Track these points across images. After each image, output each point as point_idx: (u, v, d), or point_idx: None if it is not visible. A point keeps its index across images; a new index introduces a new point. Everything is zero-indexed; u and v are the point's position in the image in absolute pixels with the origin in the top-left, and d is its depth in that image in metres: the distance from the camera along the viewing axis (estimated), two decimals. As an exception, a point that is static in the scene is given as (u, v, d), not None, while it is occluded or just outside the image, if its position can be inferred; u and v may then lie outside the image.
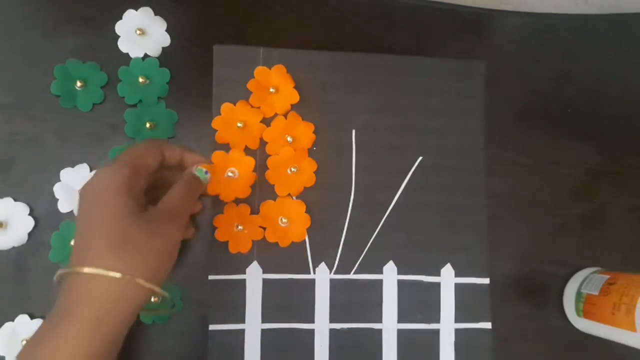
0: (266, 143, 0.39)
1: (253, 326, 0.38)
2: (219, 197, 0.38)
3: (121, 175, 0.31)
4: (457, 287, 0.41)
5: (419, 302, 0.40)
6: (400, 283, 0.40)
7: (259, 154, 0.40)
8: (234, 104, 0.39)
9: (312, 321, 0.39)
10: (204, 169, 0.36)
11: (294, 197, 0.39)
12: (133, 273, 0.29)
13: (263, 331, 0.38)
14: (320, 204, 0.40)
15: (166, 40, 0.39)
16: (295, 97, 0.40)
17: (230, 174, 0.38)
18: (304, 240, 0.39)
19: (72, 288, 0.30)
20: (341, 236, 0.40)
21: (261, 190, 0.39)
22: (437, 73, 0.42)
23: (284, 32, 0.41)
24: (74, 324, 0.28)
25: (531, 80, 0.45)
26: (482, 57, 0.43)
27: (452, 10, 0.44)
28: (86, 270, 0.29)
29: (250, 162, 0.39)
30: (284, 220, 0.39)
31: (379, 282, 0.40)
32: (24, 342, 0.36)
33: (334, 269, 0.40)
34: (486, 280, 0.41)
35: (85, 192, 0.31)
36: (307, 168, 0.39)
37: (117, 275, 0.29)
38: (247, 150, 0.39)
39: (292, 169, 0.39)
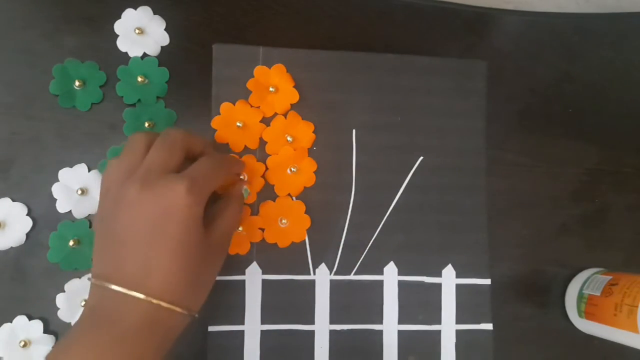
0: (266, 143, 0.39)
1: (252, 327, 0.38)
2: None
3: (202, 201, 0.30)
4: (458, 288, 0.41)
5: (419, 303, 0.40)
6: (401, 284, 0.40)
7: (259, 153, 0.39)
8: (234, 104, 0.39)
9: (312, 322, 0.39)
10: (248, 190, 0.38)
11: (294, 198, 0.39)
12: (188, 307, 0.30)
13: (262, 332, 0.38)
14: (320, 204, 0.39)
15: (165, 40, 0.39)
16: (295, 97, 0.39)
17: (240, 177, 0.38)
18: (304, 241, 0.39)
19: (122, 309, 0.28)
20: (341, 237, 0.40)
21: (261, 191, 0.39)
22: (438, 73, 0.42)
23: (283, 32, 0.41)
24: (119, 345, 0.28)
25: (532, 80, 0.45)
26: (483, 56, 0.43)
27: (452, 10, 0.44)
28: (143, 297, 0.28)
29: (260, 167, 0.39)
30: (283, 220, 0.38)
31: (380, 283, 0.40)
32: (22, 343, 0.35)
33: (334, 269, 0.39)
34: (487, 281, 0.41)
35: (156, 203, 0.29)
36: (307, 168, 0.39)
37: (178, 310, 0.29)
38: (247, 150, 0.39)
39: (292, 169, 0.39)
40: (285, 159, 0.39)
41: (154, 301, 0.28)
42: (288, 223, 0.39)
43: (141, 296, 0.28)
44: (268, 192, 0.39)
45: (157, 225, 0.29)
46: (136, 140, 0.32)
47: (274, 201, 0.39)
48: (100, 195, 0.32)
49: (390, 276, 0.40)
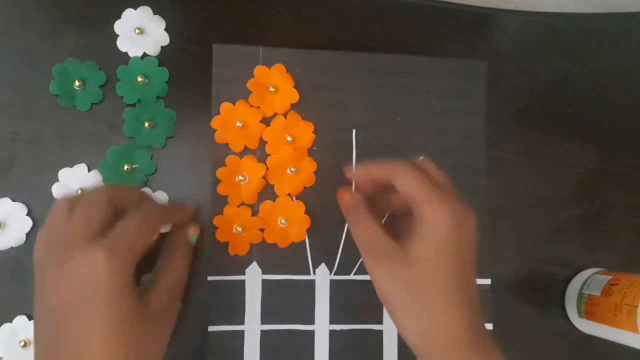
0: (266, 143, 0.39)
1: (252, 327, 0.38)
2: (226, 199, 0.38)
3: (127, 268, 0.27)
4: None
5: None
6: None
7: (259, 153, 0.39)
8: (234, 104, 0.39)
9: (312, 322, 0.39)
10: (195, 234, 0.35)
11: (294, 198, 0.39)
12: None
13: (262, 332, 0.38)
14: (320, 204, 0.39)
15: (165, 40, 0.39)
16: (295, 97, 0.39)
17: (241, 177, 0.38)
18: (304, 241, 0.39)
19: None
20: (341, 237, 0.40)
21: (261, 191, 0.39)
22: (438, 73, 0.42)
23: (283, 31, 0.41)
24: None
25: (531, 80, 0.45)
26: (483, 56, 0.43)
27: (452, 10, 0.44)
28: None
29: (261, 168, 0.39)
30: (283, 220, 0.38)
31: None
32: (22, 343, 0.35)
33: (334, 269, 0.39)
34: (487, 281, 0.41)
35: (76, 279, 0.26)
36: (307, 168, 0.39)
37: None
38: (247, 150, 0.39)
39: (292, 169, 0.39)
40: (285, 159, 0.39)
41: None
42: (288, 223, 0.39)
43: None
44: (268, 193, 0.39)
45: (81, 306, 0.26)
46: (57, 207, 0.30)
47: (274, 201, 0.39)
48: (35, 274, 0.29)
49: None
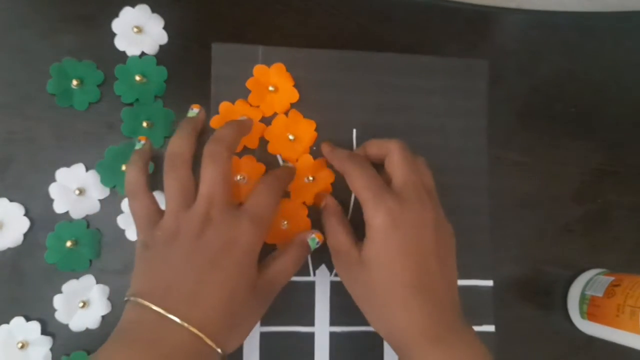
0: (267, 142, 0.39)
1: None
2: None
3: (263, 237, 0.32)
4: (460, 289, 0.40)
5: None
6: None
7: (259, 153, 0.39)
8: (233, 103, 0.39)
9: (312, 324, 0.39)
10: (317, 239, 0.36)
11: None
12: (223, 346, 0.29)
13: (262, 334, 0.38)
14: (319, 201, 0.39)
15: (163, 38, 0.39)
16: (294, 96, 0.39)
17: (239, 177, 0.38)
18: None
19: (160, 332, 0.28)
20: (341, 237, 0.39)
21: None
22: (439, 72, 0.41)
23: (283, 30, 0.41)
24: None
25: (534, 79, 0.44)
26: (484, 55, 0.43)
27: (453, 8, 0.43)
28: (184, 324, 0.28)
29: (261, 168, 0.38)
30: (284, 222, 0.38)
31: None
32: (19, 345, 0.35)
33: (334, 271, 0.39)
34: (489, 282, 0.41)
35: (218, 238, 0.30)
36: (325, 179, 0.39)
37: (213, 345, 0.28)
38: (246, 150, 0.39)
39: (309, 178, 0.38)
40: (304, 167, 0.38)
41: (193, 330, 0.28)
42: (289, 225, 0.38)
43: (182, 323, 0.28)
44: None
45: (214, 260, 0.29)
46: (178, 163, 0.33)
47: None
48: (146, 217, 0.32)
49: None
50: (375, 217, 0.31)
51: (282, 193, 0.35)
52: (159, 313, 0.28)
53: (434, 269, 0.31)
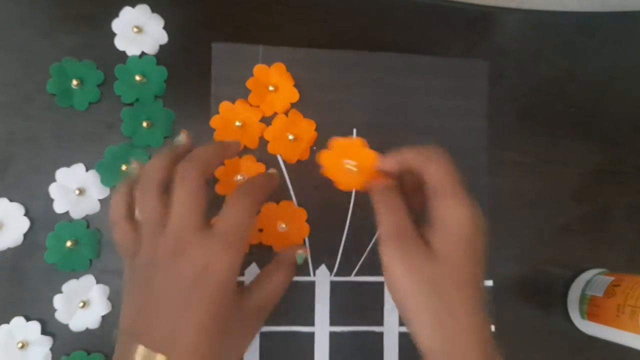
0: (267, 142, 0.39)
1: (252, 328, 0.38)
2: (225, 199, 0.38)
3: (240, 258, 0.28)
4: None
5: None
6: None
7: (258, 153, 0.39)
8: (233, 103, 0.39)
9: (312, 324, 0.39)
10: (304, 254, 0.36)
11: (295, 202, 0.39)
12: None
13: (262, 334, 0.38)
14: (320, 205, 0.39)
15: (163, 38, 0.39)
16: (295, 96, 0.39)
17: (239, 177, 0.38)
18: (304, 242, 0.39)
19: None
20: (342, 238, 0.39)
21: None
22: (439, 72, 0.41)
23: (283, 30, 0.41)
24: None
25: (534, 79, 0.44)
26: (484, 55, 0.43)
27: (453, 8, 0.43)
28: None
29: (260, 168, 0.38)
30: (282, 225, 0.38)
31: (381, 285, 0.39)
32: (19, 345, 0.35)
33: (335, 271, 0.39)
34: (489, 282, 0.41)
35: (192, 266, 0.28)
36: (369, 158, 0.34)
37: None
38: (246, 150, 0.39)
39: (349, 162, 0.34)
40: (343, 149, 0.35)
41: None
42: (287, 228, 0.38)
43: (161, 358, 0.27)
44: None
45: (191, 290, 0.28)
46: (146, 197, 0.30)
47: (277, 204, 0.39)
48: (126, 246, 0.30)
49: None
50: (465, 212, 0.29)
51: (259, 205, 0.32)
52: (145, 349, 0.27)
53: (484, 277, 0.30)
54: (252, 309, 0.31)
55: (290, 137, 0.39)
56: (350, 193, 0.40)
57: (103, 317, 0.37)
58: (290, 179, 0.39)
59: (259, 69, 0.39)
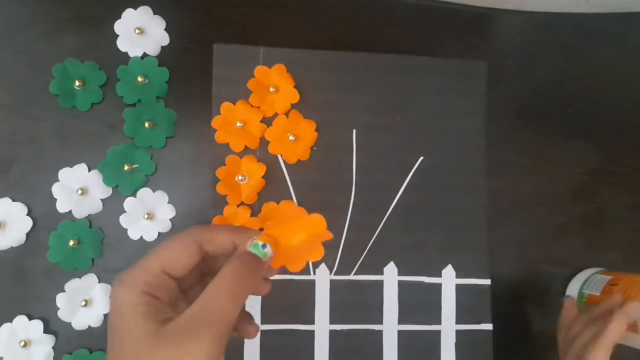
0: (268, 142, 0.39)
1: (253, 327, 0.38)
2: (225, 198, 0.38)
3: (132, 292, 0.24)
4: (458, 288, 0.41)
5: (419, 303, 0.40)
6: (401, 284, 0.40)
7: (259, 153, 0.39)
8: (234, 104, 0.39)
9: (312, 322, 0.39)
10: (261, 242, 0.26)
11: (295, 201, 0.39)
12: None
13: (262, 332, 0.38)
14: (320, 204, 0.39)
15: (165, 40, 0.39)
16: (295, 97, 0.39)
17: (240, 177, 0.38)
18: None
19: None
20: (341, 237, 0.40)
21: (261, 191, 0.39)
22: (438, 73, 0.42)
23: (284, 32, 0.41)
24: None
25: (532, 80, 0.45)
26: (483, 56, 0.43)
27: (452, 10, 0.44)
28: None
29: (262, 168, 0.39)
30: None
31: (380, 283, 0.40)
32: (22, 343, 0.35)
33: (334, 270, 0.39)
34: (487, 281, 0.41)
35: (109, 311, 0.25)
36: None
37: None
38: (247, 150, 0.39)
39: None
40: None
41: None
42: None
43: None
44: (268, 193, 0.39)
45: (110, 331, 0.25)
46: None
47: (277, 203, 0.39)
48: (114, 333, 0.25)
49: (390, 276, 0.40)
50: None
51: (248, 292, 0.26)
52: None
53: None
54: (181, 326, 0.24)
55: (291, 137, 0.39)
56: (350, 192, 0.40)
57: (105, 315, 0.37)
58: (290, 179, 0.40)
59: (259, 70, 0.39)
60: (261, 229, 0.38)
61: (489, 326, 0.41)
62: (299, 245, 0.27)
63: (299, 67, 0.40)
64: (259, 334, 0.38)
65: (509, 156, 0.43)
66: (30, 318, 0.36)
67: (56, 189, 0.37)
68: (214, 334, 0.24)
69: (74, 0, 0.39)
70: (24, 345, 0.36)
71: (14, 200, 0.37)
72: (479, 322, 0.41)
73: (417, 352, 0.40)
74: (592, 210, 0.44)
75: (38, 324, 0.36)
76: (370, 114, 0.41)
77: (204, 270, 0.28)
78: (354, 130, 0.40)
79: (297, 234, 0.27)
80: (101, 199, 0.38)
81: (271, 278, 0.30)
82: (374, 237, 0.40)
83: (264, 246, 0.26)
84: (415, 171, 0.41)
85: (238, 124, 0.38)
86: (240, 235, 0.27)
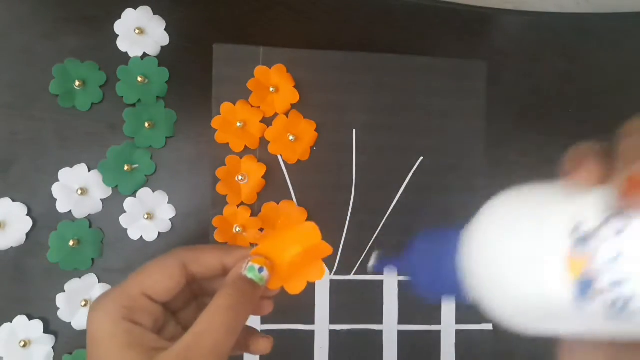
0: (268, 142, 0.39)
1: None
2: (225, 198, 0.38)
3: (109, 319, 0.22)
4: (458, 287, 0.41)
5: (419, 303, 0.40)
6: (401, 284, 0.40)
7: (259, 153, 0.39)
8: (234, 104, 0.39)
9: (312, 322, 0.39)
10: (257, 265, 0.24)
11: (295, 201, 0.39)
12: None
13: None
14: (320, 205, 0.39)
15: (165, 39, 0.39)
16: (295, 97, 0.39)
17: (240, 177, 0.38)
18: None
19: None
20: (341, 237, 0.40)
21: (261, 192, 0.39)
22: (438, 73, 0.42)
23: (284, 32, 0.41)
24: None
25: (531, 80, 0.44)
26: (483, 56, 0.43)
27: (452, 10, 0.44)
28: None
29: (262, 168, 0.39)
30: (283, 222, 0.38)
31: (380, 283, 0.40)
32: (22, 343, 0.35)
33: (334, 269, 0.39)
34: (487, 281, 0.41)
35: (87, 340, 0.23)
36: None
37: None
38: (247, 150, 0.39)
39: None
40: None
41: None
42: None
43: None
44: (268, 193, 0.39)
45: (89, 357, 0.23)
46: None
47: (277, 203, 0.39)
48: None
49: (390, 276, 0.40)
50: None
51: (246, 319, 0.24)
52: None
53: None
54: None
55: (291, 137, 0.39)
56: (350, 192, 0.40)
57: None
58: (290, 179, 0.40)
59: (259, 70, 0.39)
60: (261, 229, 0.38)
61: (488, 326, 0.41)
62: (295, 261, 0.26)
63: (299, 67, 0.40)
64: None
65: (509, 156, 0.43)
66: (30, 318, 0.36)
67: (56, 189, 0.37)
68: None
69: (74, 0, 0.39)
70: (24, 346, 0.36)
71: (14, 200, 0.37)
72: (479, 322, 0.41)
73: (417, 352, 0.40)
74: (592, 210, 0.44)
75: (38, 324, 0.36)
76: (370, 114, 0.41)
77: (197, 292, 0.26)
78: (354, 130, 0.40)
79: (291, 247, 0.26)
80: (101, 199, 0.38)
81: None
82: (374, 237, 0.40)
83: (260, 270, 0.24)
84: (415, 171, 0.41)
85: (238, 124, 0.38)
86: (230, 255, 0.25)
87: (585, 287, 0.14)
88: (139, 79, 0.38)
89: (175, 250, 0.25)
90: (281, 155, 0.39)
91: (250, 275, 0.24)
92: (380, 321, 0.39)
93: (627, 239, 0.14)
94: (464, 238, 0.19)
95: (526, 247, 0.16)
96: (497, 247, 0.17)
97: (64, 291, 0.37)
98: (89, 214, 0.38)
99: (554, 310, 0.15)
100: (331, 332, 0.39)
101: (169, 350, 0.22)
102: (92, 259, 0.37)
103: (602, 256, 0.14)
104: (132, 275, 0.24)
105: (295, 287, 0.27)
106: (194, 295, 0.27)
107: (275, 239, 0.26)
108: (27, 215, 0.37)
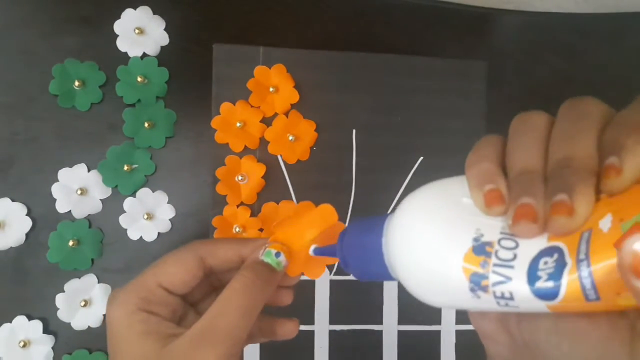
0: (267, 142, 0.39)
1: (252, 327, 0.38)
2: (225, 198, 0.38)
3: (125, 310, 0.23)
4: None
5: (419, 303, 0.40)
6: (401, 284, 0.40)
7: (259, 153, 0.39)
8: (234, 104, 0.39)
9: (312, 322, 0.39)
10: (274, 250, 0.25)
11: (295, 200, 0.39)
12: None
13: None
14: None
15: (165, 39, 0.39)
16: (295, 97, 0.39)
17: (240, 177, 0.38)
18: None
19: None
20: (341, 237, 0.40)
21: (261, 192, 0.39)
22: (438, 73, 0.42)
23: (283, 32, 0.41)
24: None
25: (531, 80, 0.44)
26: (483, 56, 0.43)
27: (452, 10, 0.44)
28: None
29: (261, 168, 0.39)
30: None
31: (379, 283, 0.40)
32: (21, 343, 0.35)
33: (334, 269, 0.39)
34: (487, 281, 0.41)
35: (107, 331, 0.24)
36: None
37: None
38: (247, 150, 0.39)
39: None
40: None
41: None
42: None
43: None
44: (268, 193, 0.39)
45: (109, 350, 0.24)
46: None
47: (277, 203, 0.39)
48: (114, 354, 0.24)
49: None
50: None
51: (262, 303, 0.24)
52: None
53: None
54: (185, 344, 0.22)
55: (291, 137, 0.39)
56: (350, 192, 0.40)
57: (105, 315, 0.37)
58: (290, 179, 0.40)
59: (259, 70, 0.39)
60: (261, 229, 0.38)
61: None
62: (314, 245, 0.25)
63: (299, 67, 0.40)
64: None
65: (509, 156, 0.43)
66: (30, 318, 0.36)
67: (56, 189, 0.37)
68: (221, 354, 0.22)
69: (73, 0, 0.39)
70: (24, 346, 0.36)
71: (13, 200, 0.37)
72: (478, 322, 0.41)
73: (417, 352, 0.40)
74: (592, 211, 0.44)
75: (38, 324, 0.36)
76: (370, 114, 0.41)
77: (216, 284, 0.27)
78: (354, 130, 0.40)
79: (308, 231, 0.25)
80: (101, 199, 0.38)
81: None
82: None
83: (277, 254, 0.24)
84: (415, 171, 0.41)
85: (238, 124, 0.38)
86: (247, 246, 0.25)
87: (478, 279, 0.17)
88: (139, 79, 0.38)
89: (192, 243, 0.25)
90: (281, 156, 0.39)
91: (267, 260, 0.24)
92: (380, 321, 0.39)
93: (513, 255, 0.17)
94: (387, 225, 0.21)
95: (438, 236, 0.19)
96: (415, 234, 0.19)
97: (64, 291, 0.37)
98: (89, 214, 0.38)
99: (457, 291, 0.18)
100: (331, 332, 0.39)
101: (184, 334, 0.22)
102: (92, 259, 0.37)
103: (492, 263, 0.17)
104: (148, 268, 0.24)
105: (315, 273, 0.27)
106: (213, 287, 0.27)
107: (291, 225, 0.26)
108: (27, 215, 0.37)
